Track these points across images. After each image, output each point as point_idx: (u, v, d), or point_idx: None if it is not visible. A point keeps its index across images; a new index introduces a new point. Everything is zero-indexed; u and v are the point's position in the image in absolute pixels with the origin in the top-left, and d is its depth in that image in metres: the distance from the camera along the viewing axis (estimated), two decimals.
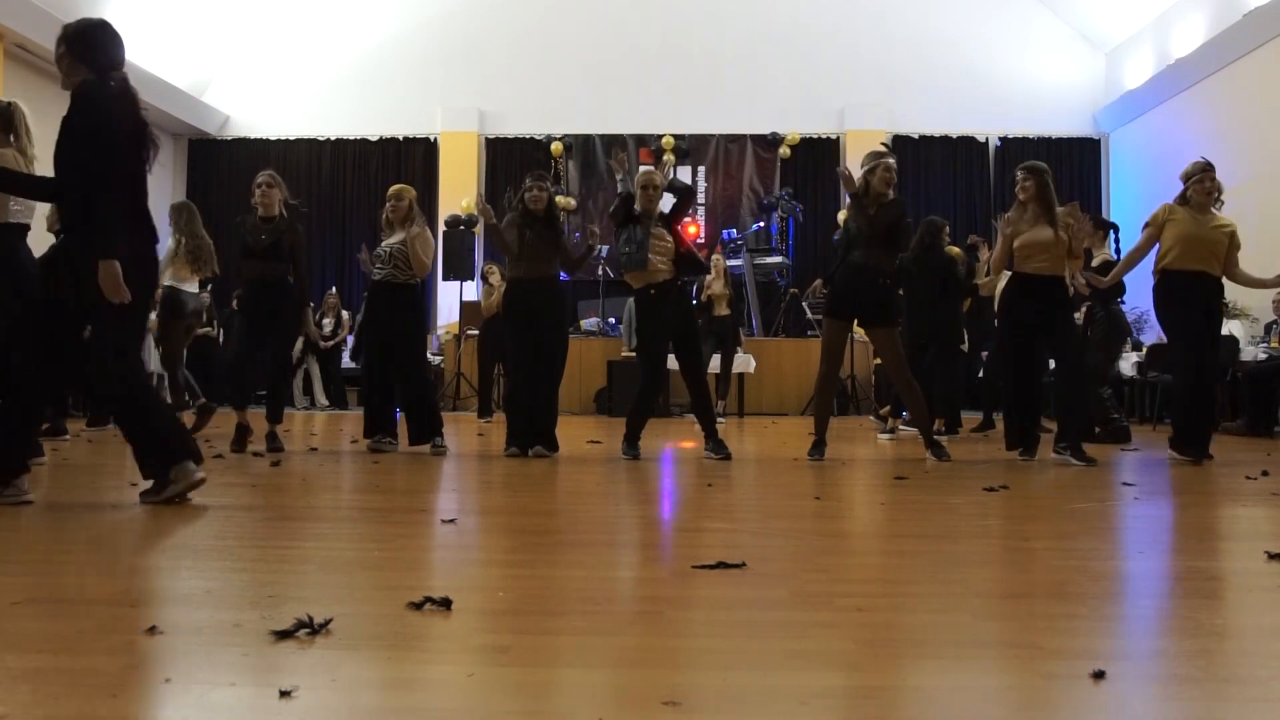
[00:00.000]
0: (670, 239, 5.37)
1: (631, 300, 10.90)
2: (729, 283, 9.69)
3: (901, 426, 7.41)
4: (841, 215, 11.94)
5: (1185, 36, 11.22)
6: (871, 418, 7.78)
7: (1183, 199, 5.47)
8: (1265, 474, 4.64)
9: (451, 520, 3.04)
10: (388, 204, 5.75)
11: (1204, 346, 5.26)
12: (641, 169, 5.76)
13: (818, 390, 5.71)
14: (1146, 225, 5.53)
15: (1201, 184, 5.40)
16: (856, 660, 1.63)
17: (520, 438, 5.37)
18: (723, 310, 9.52)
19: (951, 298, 7.35)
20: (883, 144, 6.18)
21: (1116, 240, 7.39)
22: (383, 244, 5.70)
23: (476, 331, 11.00)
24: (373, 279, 5.68)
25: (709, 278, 9.61)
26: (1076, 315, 7.17)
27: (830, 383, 5.57)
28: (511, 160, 13.59)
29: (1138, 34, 12.45)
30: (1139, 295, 10.89)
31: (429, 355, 11.90)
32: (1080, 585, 2.18)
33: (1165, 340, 6.14)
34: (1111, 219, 13.07)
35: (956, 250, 7.84)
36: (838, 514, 3.46)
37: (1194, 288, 5.29)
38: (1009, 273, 5.57)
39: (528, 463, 5.04)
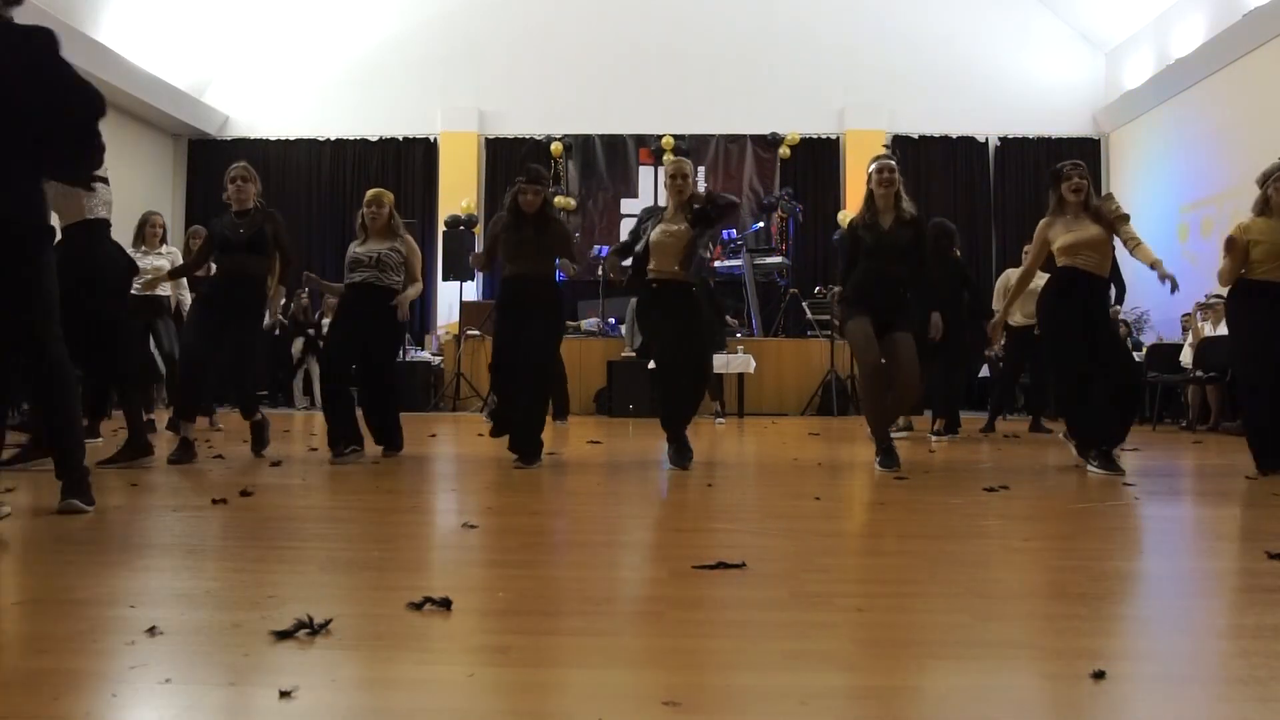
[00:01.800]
0: (684, 235, 5.07)
1: (633, 300, 10.92)
2: None
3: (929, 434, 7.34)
4: (842, 215, 11.95)
5: (1185, 36, 11.22)
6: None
7: (1263, 204, 5.06)
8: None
9: (474, 527, 3.04)
10: (367, 210, 5.51)
11: (1271, 349, 4.90)
12: (670, 158, 5.53)
13: (864, 392, 5.21)
14: (1229, 252, 5.05)
15: None
16: (856, 660, 1.63)
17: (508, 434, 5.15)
18: None
19: (958, 301, 7.34)
20: (884, 146, 6.00)
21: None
22: (356, 249, 5.47)
23: (477, 332, 11.01)
24: (350, 282, 5.38)
25: None
26: None
27: (875, 381, 5.04)
28: (512, 160, 13.57)
29: (1138, 34, 12.45)
30: (1140, 295, 10.91)
31: (430, 356, 11.97)
32: (1080, 585, 2.18)
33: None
34: None
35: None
36: (838, 514, 3.46)
37: (1271, 294, 4.92)
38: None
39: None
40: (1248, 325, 5.03)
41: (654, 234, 5.10)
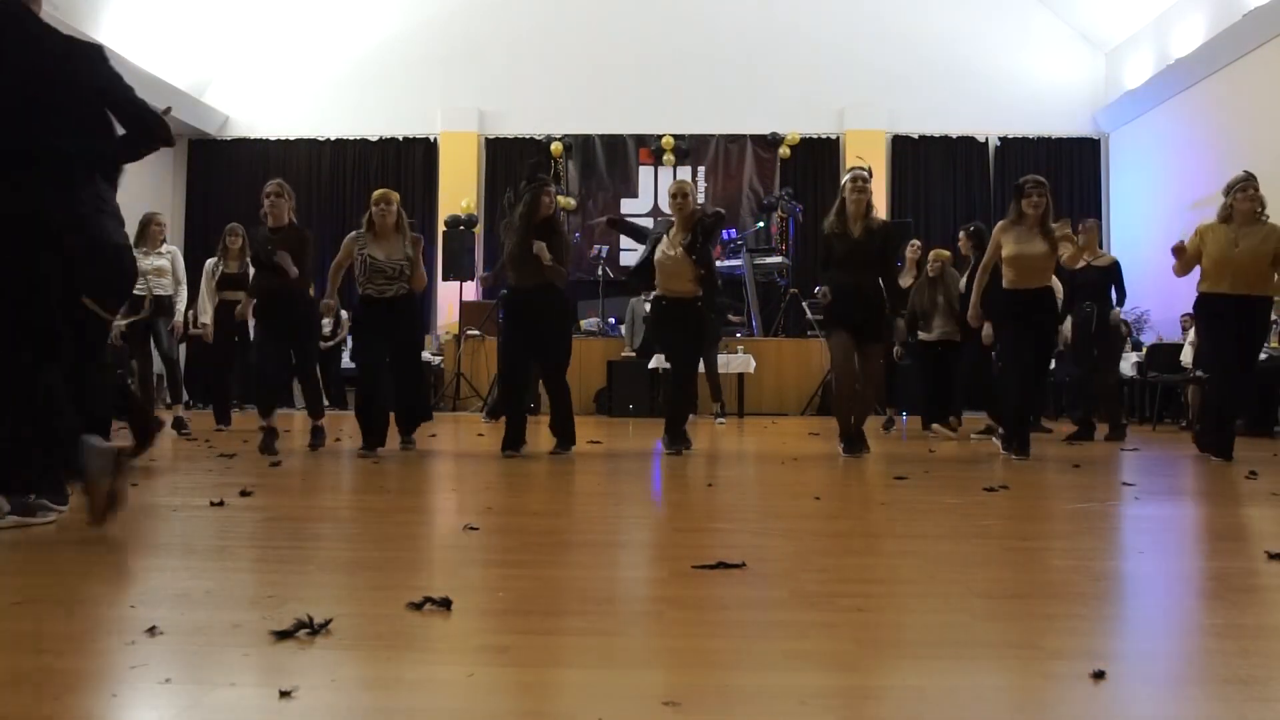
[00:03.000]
0: (682, 259, 5.53)
1: (633, 301, 10.94)
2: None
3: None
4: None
5: (1185, 36, 11.22)
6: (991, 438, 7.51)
7: (1226, 213, 5.36)
8: (1254, 474, 4.63)
9: (475, 529, 3.04)
10: (375, 208, 5.54)
11: (1229, 361, 5.33)
12: (672, 181, 6.03)
13: (836, 400, 5.69)
14: (1180, 252, 5.49)
15: (1245, 192, 5.29)
16: (856, 660, 1.63)
17: (517, 438, 5.37)
18: None
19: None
20: (858, 157, 6.47)
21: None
22: (375, 255, 5.48)
23: (477, 331, 11.01)
24: (382, 296, 5.48)
25: None
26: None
27: (848, 393, 5.52)
28: (511, 160, 13.58)
29: (1138, 34, 12.45)
30: (1139, 295, 10.91)
31: (430, 356, 11.96)
32: (1080, 585, 2.18)
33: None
34: (1109, 220, 13.16)
35: (946, 253, 7.89)
36: (838, 514, 3.46)
37: (1229, 309, 5.28)
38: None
39: (527, 463, 5.04)
40: (1210, 341, 5.52)
41: (658, 255, 5.55)
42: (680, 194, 5.58)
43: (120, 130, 2.94)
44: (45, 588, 2.09)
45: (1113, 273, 7.46)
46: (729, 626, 1.83)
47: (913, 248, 8.26)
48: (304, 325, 5.88)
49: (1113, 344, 7.75)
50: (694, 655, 1.65)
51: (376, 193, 5.68)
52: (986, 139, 13.60)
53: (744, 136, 13.60)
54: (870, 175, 5.55)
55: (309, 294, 5.87)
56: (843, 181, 5.55)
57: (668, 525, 3.19)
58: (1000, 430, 7.31)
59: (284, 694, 1.38)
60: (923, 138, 13.57)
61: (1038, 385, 5.74)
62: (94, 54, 2.88)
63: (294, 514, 3.25)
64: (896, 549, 2.73)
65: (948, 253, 7.83)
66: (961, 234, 7.73)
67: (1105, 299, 7.43)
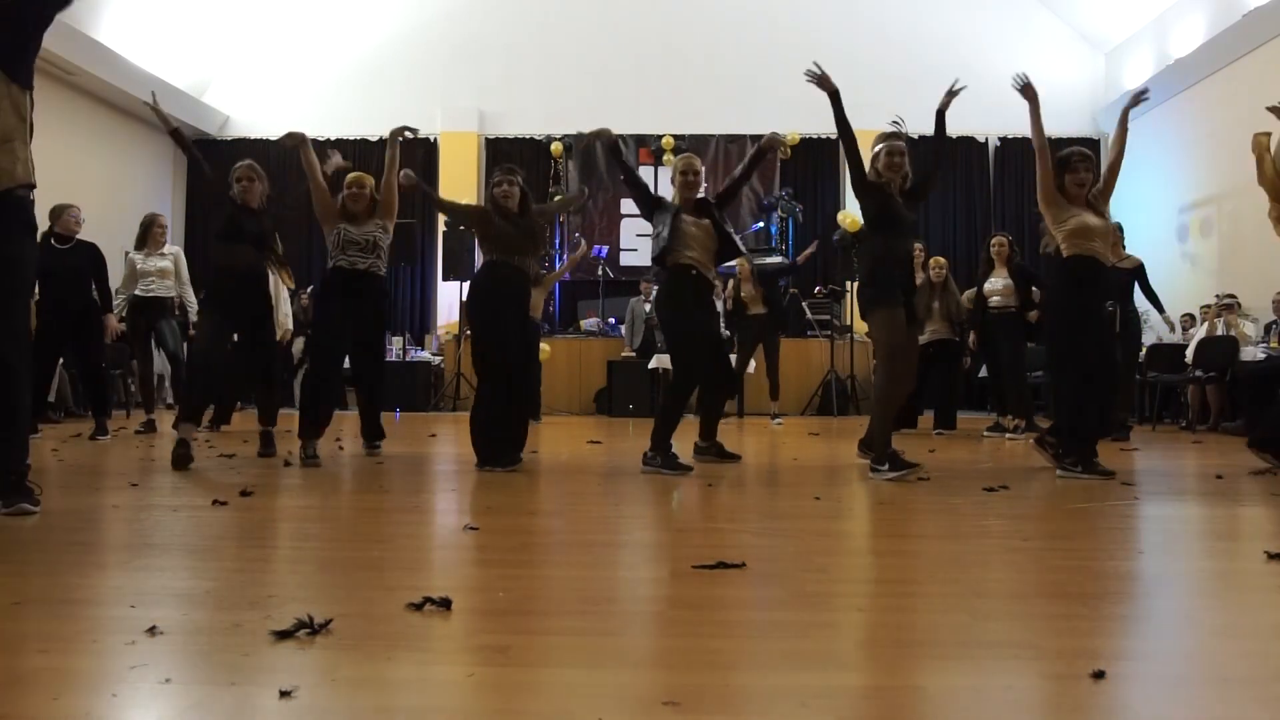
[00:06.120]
0: (710, 229, 4.93)
1: (633, 300, 10.93)
2: (759, 282, 9.44)
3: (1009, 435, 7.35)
4: (842, 215, 11.91)
5: (1185, 36, 11.22)
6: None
7: None
8: (1263, 473, 4.63)
9: (475, 529, 3.04)
10: (348, 191, 5.39)
11: None
12: (678, 157, 5.20)
13: (894, 393, 4.64)
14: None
15: None
16: (856, 660, 1.63)
17: (493, 451, 4.64)
18: (758, 309, 9.34)
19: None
20: (895, 121, 5.64)
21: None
22: (348, 228, 5.20)
23: None
24: (354, 268, 5.06)
25: (741, 278, 9.47)
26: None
27: (899, 392, 4.64)
28: (511, 161, 13.58)
29: (1138, 34, 12.45)
30: (1138, 295, 10.90)
31: (429, 356, 11.95)
32: (1080, 585, 2.18)
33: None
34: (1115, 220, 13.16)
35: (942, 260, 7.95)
36: (838, 514, 3.46)
37: None
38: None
39: (527, 463, 5.01)
40: None
41: (685, 224, 4.84)
42: (692, 170, 5.04)
43: None
44: (45, 588, 2.09)
45: (1138, 274, 7.59)
46: (729, 626, 1.83)
47: (917, 250, 8.28)
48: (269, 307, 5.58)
49: (1134, 345, 7.81)
50: (694, 655, 1.65)
51: (351, 176, 5.49)
52: (986, 139, 13.59)
53: (744, 136, 13.59)
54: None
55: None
56: (875, 151, 5.07)
57: (668, 525, 3.19)
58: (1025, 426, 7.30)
59: (284, 694, 1.38)
60: (923, 138, 13.53)
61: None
62: None
63: (294, 514, 3.25)
64: (896, 549, 2.73)
65: (944, 260, 7.88)
66: (999, 238, 7.74)
67: (1129, 299, 7.54)
